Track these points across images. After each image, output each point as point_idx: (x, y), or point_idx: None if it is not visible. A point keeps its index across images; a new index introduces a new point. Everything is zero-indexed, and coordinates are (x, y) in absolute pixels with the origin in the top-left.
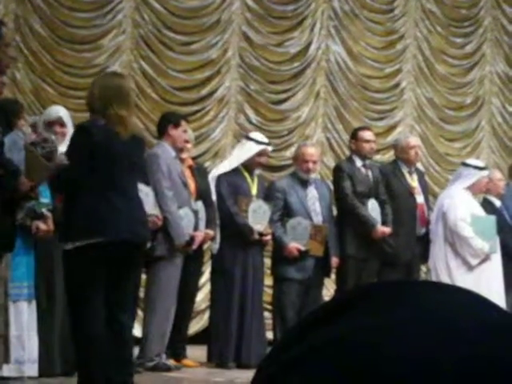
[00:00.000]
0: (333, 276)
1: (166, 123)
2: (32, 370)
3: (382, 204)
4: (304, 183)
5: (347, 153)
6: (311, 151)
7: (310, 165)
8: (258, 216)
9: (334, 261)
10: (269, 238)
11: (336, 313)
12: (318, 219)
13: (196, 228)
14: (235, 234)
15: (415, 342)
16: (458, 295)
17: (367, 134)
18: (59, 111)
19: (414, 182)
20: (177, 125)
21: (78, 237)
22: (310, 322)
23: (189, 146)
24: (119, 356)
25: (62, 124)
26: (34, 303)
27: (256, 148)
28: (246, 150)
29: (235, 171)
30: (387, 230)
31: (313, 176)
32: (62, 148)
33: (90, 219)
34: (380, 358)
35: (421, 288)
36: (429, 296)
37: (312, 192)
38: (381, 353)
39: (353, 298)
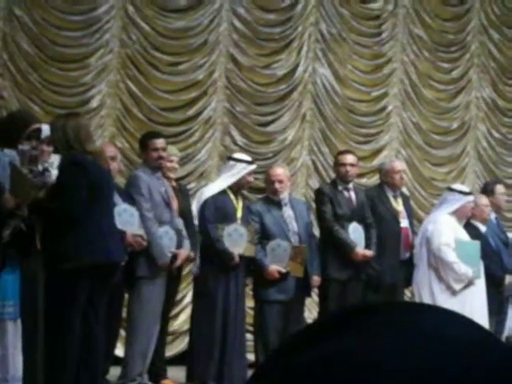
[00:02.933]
0: (315, 297)
1: (139, 148)
2: None
3: (366, 227)
4: (278, 204)
5: (333, 176)
6: (276, 171)
7: (276, 185)
8: (233, 239)
9: (315, 280)
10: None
11: (322, 335)
12: (295, 239)
13: (180, 246)
14: (217, 257)
15: (402, 365)
16: (441, 316)
17: (343, 158)
18: (47, 130)
19: (398, 206)
20: (145, 147)
21: (74, 258)
22: (294, 344)
23: (168, 163)
24: (90, 365)
25: (49, 142)
26: (18, 322)
27: (248, 168)
28: (237, 171)
29: (221, 194)
30: (368, 253)
31: (284, 196)
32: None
33: (85, 243)
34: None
35: (404, 310)
36: (412, 318)
37: (288, 212)
38: (368, 374)
39: (338, 320)
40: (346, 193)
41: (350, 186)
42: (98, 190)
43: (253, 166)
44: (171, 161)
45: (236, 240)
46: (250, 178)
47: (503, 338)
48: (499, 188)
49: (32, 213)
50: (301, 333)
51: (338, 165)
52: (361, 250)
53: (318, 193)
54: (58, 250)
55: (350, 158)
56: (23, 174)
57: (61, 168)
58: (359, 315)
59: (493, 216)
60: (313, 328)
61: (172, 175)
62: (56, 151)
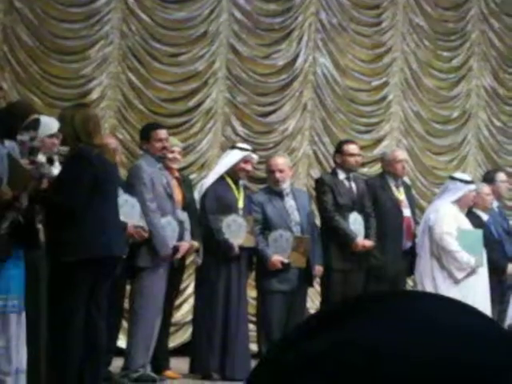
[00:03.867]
0: (317, 287)
1: (141, 139)
2: (21, 381)
3: (366, 217)
4: (280, 194)
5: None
6: (276, 161)
7: (277, 174)
8: (232, 230)
9: (318, 269)
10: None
11: (321, 327)
12: (297, 229)
13: (181, 238)
14: (218, 247)
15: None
16: (440, 304)
17: (352, 148)
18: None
19: (400, 195)
20: (148, 137)
21: (75, 252)
22: (294, 338)
23: (170, 154)
24: (93, 357)
25: (58, 137)
26: (23, 315)
27: (240, 154)
28: (230, 157)
29: (222, 184)
30: (368, 242)
31: (286, 186)
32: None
33: (87, 237)
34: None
35: (406, 299)
36: (412, 307)
37: (289, 202)
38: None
39: (337, 311)
40: (346, 182)
41: (351, 175)
42: (102, 184)
43: (246, 153)
44: (173, 151)
45: (235, 231)
46: (248, 166)
47: (505, 326)
48: (500, 176)
49: (35, 203)
50: (300, 326)
51: (345, 155)
52: (361, 240)
53: (319, 182)
54: (60, 242)
55: (356, 148)
56: (20, 165)
57: (65, 161)
58: (358, 306)
59: (495, 204)
60: (312, 320)
61: (175, 166)
62: (64, 143)
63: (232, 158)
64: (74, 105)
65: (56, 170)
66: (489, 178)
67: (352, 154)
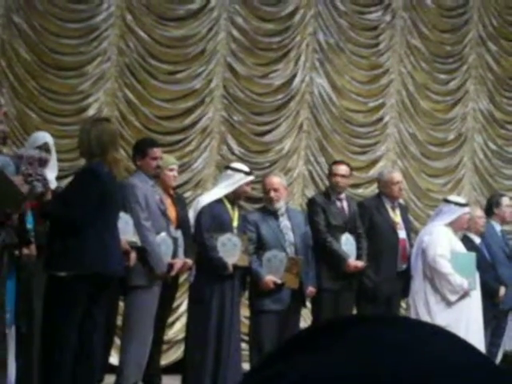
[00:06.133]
0: (310, 306)
1: (135, 154)
2: None
3: (357, 238)
4: (275, 214)
5: None
6: (272, 180)
7: (272, 193)
8: (227, 249)
9: (310, 291)
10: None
11: (279, 356)
12: (291, 250)
13: (175, 255)
14: (211, 265)
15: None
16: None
17: (339, 168)
18: (45, 137)
19: (396, 217)
20: (143, 154)
21: (71, 266)
22: (257, 366)
23: (169, 172)
24: (87, 374)
25: (48, 150)
26: (13, 329)
27: (246, 178)
28: (235, 181)
29: (218, 203)
30: (360, 263)
31: (280, 205)
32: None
33: (84, 252)
34: None
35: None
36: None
37: (284, 222)
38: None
39: (297, 340)
40: (338, 203)
41: (343, 196)
42: (107, 202)
43: (251, 177)
44: (171, 170)
45: (230, 250)
46: (248, 188)
47: (500, 351)
48: (505, 200)
49: (40, 216)
50: (273, 351)
51: (331, 175)
52: (352, 261)
53: (311, 203)
54: (58, 256)
55: (342, 169)
56: (12, 183)
57: (76, 175)
58: (316, 334)
59: (498, 228)
60: (281, 347)
61: (174, 184)
62: (82, 155)
63: (236, 183)
64: (94, 118)
65: (51, 175)
66: (494, 202)
67: (334, 174)
